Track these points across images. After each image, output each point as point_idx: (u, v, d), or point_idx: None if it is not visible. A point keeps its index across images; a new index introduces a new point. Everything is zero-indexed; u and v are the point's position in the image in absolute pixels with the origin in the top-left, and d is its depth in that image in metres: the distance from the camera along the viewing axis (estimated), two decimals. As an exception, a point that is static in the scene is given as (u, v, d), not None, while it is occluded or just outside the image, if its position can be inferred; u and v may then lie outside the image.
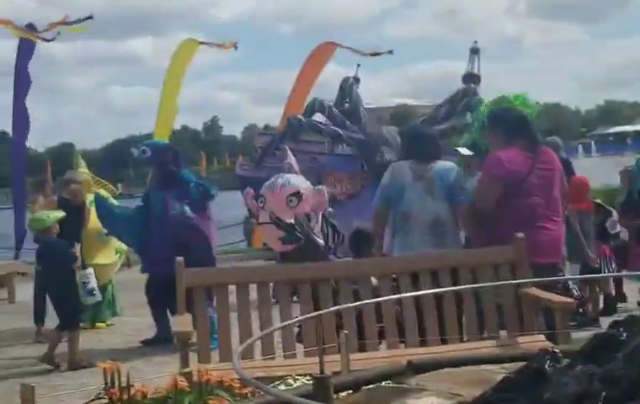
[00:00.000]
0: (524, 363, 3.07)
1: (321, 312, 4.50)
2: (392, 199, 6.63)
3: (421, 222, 6.48)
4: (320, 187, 8.67)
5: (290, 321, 4.82)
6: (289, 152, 9.96)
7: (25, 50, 16.51)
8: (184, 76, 20.21)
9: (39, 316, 9.95)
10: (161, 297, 9.07)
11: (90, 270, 10.03)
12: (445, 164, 6.74)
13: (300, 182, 9.00)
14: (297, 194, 8.70)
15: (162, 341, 9.14)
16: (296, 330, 5.76)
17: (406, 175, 6.59)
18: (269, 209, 9.11)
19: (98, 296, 10.26)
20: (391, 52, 23.12)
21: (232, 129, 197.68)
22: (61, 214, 9.07)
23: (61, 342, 8.56)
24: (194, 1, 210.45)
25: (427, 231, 6.46)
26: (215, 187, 9.55)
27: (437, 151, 6.88)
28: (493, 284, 5.65)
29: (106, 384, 3.36)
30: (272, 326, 5.48)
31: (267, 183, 9.50)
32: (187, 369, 3.67)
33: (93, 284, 10.08)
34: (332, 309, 4.90)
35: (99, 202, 9.77)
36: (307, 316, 4.62)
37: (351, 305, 5.27)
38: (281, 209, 8.80)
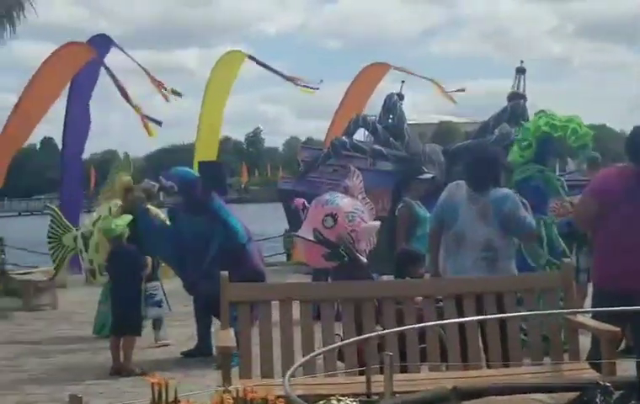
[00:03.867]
0: (573, 393, 3.02)
1: (369, 335, 4.47)
2: (446, 220, 6.63)
3: (472, 245, 6.46)
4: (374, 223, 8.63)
5: (339, 343, 4.80)
6: (354, 173, 9.91)
7: (91, 69, 16.38)
8: (230, 88, 20.00)
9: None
10: (206, 311, 9.12)
11: (158, 283, 10.05)
12: (500, 192, 6.69)
13: (346, 204, 9.01)
14: (334, 216, 8.74)
15: (202, 353, 9.18)
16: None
17: (462, 196, 6.59)
18: (307, 221, 9.14)
19: (166, 309, 10.23)
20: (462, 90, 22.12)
21: (274, 141, 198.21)
22: (128, 218, 9.23)
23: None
24: (243, 14, 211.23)
25: (478, 255, 6.44)
26: (244, 236, 9.25)
27: (495, 176, 6.80)
28: (540, 313, 5.60)
29: (153, 398, 3.38)
30: (313, 343, 5.49)
31: (317, 197, 9.51)
32: (232, 387, 3.66)
33: (161, 296, 10.08)
34: (377, 333, 4.86)
35: (142, 216, 9.65)
36: (355, 339, 4.59)
37: (395, 329, 5.24)
38: (316, 226, 8.82)
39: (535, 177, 8.41)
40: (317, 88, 18.73)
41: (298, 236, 9.38)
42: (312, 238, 8.58)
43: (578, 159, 6.97)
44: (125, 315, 8.68)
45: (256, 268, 9.26)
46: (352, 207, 9.24)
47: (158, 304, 9.95)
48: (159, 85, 15.21)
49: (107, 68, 15.21)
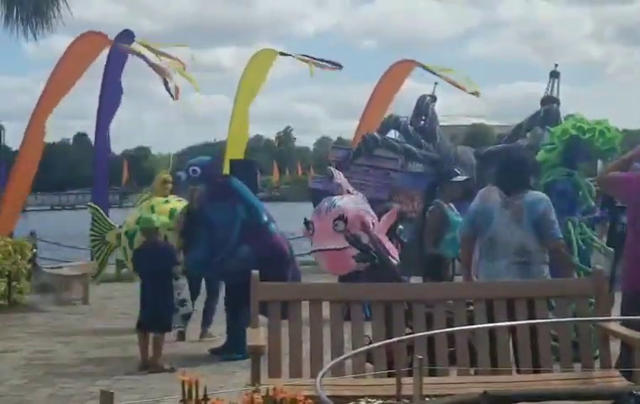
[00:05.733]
0: (605, 402, 2.99)
1: (401, 338, 4.46)
2: (480, 224, 6.62)
3: (506, 249, 6.44)
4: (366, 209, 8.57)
5: (372, 345, 4.79)
6: (337, 173, 9.98)
7: (116, 60, 16.74)
8: (261, 86, 20.01)
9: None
10: (236, 307, 9.16)
11: (183, 281, 10.09)
12: (534, 194, 6.66)
13: (347, 203, 8.95)
14: (343, 218, 8.68)
15: (230, 350, 9.20)
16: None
17: (495, 201, 6.57)
18: (318, 235, 9.06)
19: (190, 308, 10.28)
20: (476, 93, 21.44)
21: (306, 140, 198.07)
22: (169, 223, 9.37)
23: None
24: (282, 13, 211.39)
25: (512, 259, 6.41)
26: (265, 216, 9.47)
27: (527, 179, 6.77)
28: (570, 319, 5.55)
29: (183, 395, 3.41)
30: (343, 344, 5.48)
31: (315, 208, 9.47)
32: (261, 385, 3.67)
33: (185, 295, 10.14)
34: (408, 336, 4.85)
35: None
36: (386, 341, 4.58)
37: (425, 333, 5.23)
38: (328, 234, 8.74)
39: (561, 180, 8.34)
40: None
41: (321, 250, 9.20)
42: (339, 246, 8.54)
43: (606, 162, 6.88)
44: (154, 312, 8.72)
45: (279, 246, 9.36)
46: (352, 201, 9.17)
47: (182, 303, 10.00)
48: (164, 73, 15.38)
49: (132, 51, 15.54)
